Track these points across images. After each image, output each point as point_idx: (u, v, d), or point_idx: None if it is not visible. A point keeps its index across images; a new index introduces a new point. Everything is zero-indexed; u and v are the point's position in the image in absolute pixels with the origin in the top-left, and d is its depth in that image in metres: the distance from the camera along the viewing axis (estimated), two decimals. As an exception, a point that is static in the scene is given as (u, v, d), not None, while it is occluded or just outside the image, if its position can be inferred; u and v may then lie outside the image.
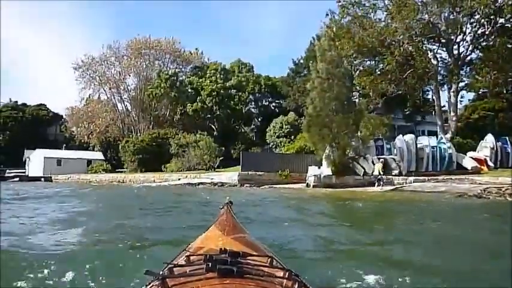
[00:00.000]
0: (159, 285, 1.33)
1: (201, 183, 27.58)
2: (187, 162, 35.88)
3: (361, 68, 32.56)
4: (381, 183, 21.27)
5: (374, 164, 23.16)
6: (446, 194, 17.06)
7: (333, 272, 4.13)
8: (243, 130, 47.38)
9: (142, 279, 1.68)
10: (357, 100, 28.39)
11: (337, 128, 22.70)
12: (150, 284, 1.39)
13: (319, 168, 23.95)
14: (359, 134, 23.75)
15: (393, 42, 29.94)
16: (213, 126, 46.78)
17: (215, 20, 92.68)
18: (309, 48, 43.33)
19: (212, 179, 28.25)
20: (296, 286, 1.36)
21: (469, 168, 26.87)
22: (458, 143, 29.74)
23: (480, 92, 39.25)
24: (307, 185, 23.27)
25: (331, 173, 23.09)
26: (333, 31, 28.93)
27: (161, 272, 1.45)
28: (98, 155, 52.26)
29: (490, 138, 29.32)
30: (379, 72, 31.93)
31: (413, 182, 21.66)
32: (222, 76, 46.76)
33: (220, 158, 36.15)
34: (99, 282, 3.76)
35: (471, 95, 39.85)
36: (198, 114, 46.10)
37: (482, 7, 24.95)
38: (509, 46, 28.87)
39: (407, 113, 38.46)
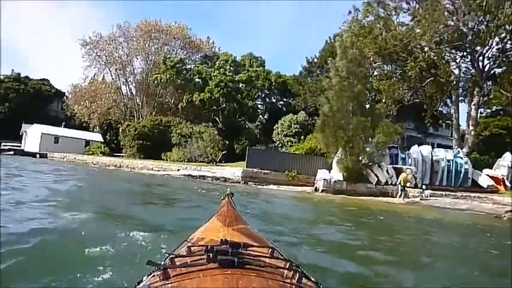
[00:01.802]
0: (160, 275, 1.32)
1: (202, 176, 26.18)
2: (189, 153, 34.48)
3: (379, 71, 30.96)
4: (403, 194, 19.86)
5: (388, 173, 21.68)
6: (475, 213, 15.56)
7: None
8: (248, 126, 45.89)
9: (144, 269, 1.47)
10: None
11: (353, 131, 21.23)
12: (151, 274, 1.38)
13: (329, 172, 22.51)
14: (375, 139, 22.24)
15: (416, 47, 28.44)
16: (218, 119, 45.29)
17: (226, 13, 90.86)
18: (325, 48, 42.01)
19: (214, 173, 26.85)
20: (297, 277, 1.34)
21: (485, 186, 25.46)
22: (474, 159, 28.35)
23: (494, 109, 38.01)
24: (316, 189, 21.84)
25: (342, 179, 21.65)
26: (356, 29, 27.37)
27: (163, 263, 1.45)
28: (97, 137, 50.88)
29: (508, 157, 27.84)
30: (398, 78, 30.35)
31: (430, 196, 20.24)
32: (232, 68, 45.23)
33: (223, 152, 34.74)
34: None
35: (483, 112, 38.63)
36: (204, 105, 44.59)
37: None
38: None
39: (424, 123, 36.96)
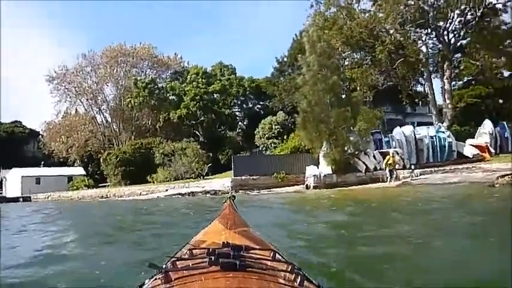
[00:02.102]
0: (162, 278, 1.31)
1: (192, 192, 25.76)
2: (175, 171, 34.02)
3: (350, 60, 31.16)
4: (392, 176, 19.85)
5: (376, 159, 21.67)
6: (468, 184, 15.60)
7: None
8: (229, 135, 45.65)
9: (145, 272, 1.53)
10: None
11: (334, 123, 21.20)
12: (153, 277, 1.38)
13: (317, 167, 22.40)
14: (357, 128, 22.25)
15: (382, 31, 28.73)
16: (198, 133, 44.92)
17: (194, 24, 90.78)
18: (293, 46, 42.18)
19: (203, 187, 26.50)
20: (299, 280, 1.32)
21: (471, 156, 25.76)
22: (456, 131, 28.71)
23: (465, 80, 38.69)
24: (307, 187, 21.68)
25: (331, 172, 21.56)
26: (320, 22, 27.48)
27: (164, 266, 1.44)
28: (79, 171, 49.80)
29: (488, 124, 28.32)
30: (369, 64, 30.59)
31: (420, 174, 20.31)
32: (204, 80, 44.97)
33: (209, 165, 34.40)
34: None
35: (455, 84, 39.23)
36: (182, 121, 44.17)
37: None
38: (501, 28, 27.94)
39: (402, 104, 37.34)
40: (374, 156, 21.91)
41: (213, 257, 1.34)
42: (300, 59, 22.57)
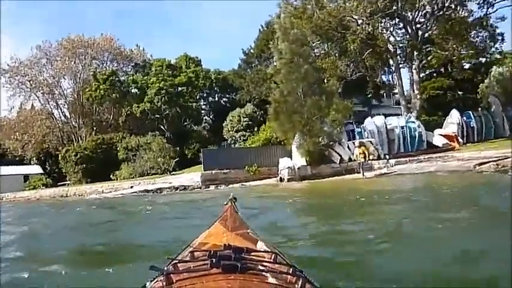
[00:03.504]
0: (163, 281, 1.32)
1: (159, 188, 24.45)
2: (140, 167, 32.47)
3: (319, 51, 30.60)
4: (362, 169, 19.34)
5: (350, 149, 21.20)
6: (447, 173, 15.31)
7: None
8: (195, 129, 44.30)
9: (147, 274, 1.41)
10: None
11: (308, 113, 20.53)
12: (154, 279, 1.37)
13: (291, 159, 21.70)
14: (330, 118, 21.68)
15: (351, 21, 28.33)
16: (163, 127, 43.28)
17: (155, 14, 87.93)
18: (259, 37, 41.42)
19: (171, 182, 25.26)
20: (300, 282, 1.33)
21: (440, 145, 25.93)
22: (424, 121, 28.81)
23: (427, 72, 39.28)
24: (281, 179, 20.96)
25: (305, 164, 20.92)
26: (290, 10, 26.71)
27: (165, 268, 1.43)
28: (36, 169, 46.90)
29: (455, 114, 28.63)
30: (338, 54, 30.18)
31: (395, 164, 20.01)
32: (169, 73, 43.34)
33: (176, 160, 33.08)
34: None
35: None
36: (146, 115, 42.39)
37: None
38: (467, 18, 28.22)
39: (368, 96, 37.36)
40: (348, 147, 21.45)
41: (214, 259, 1.31)
42: (272, 46, 21.73)
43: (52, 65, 47.62)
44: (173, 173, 30.96)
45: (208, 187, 22.46)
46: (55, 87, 48.42)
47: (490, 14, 27.96)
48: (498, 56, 35.09)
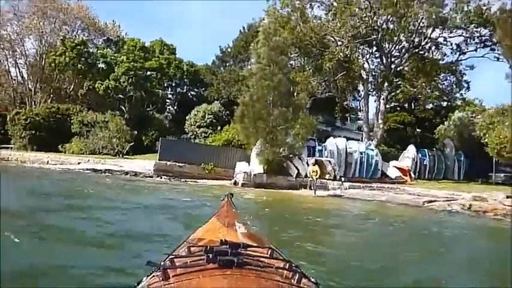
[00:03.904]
0: (160, 276, 1.31)
1: (108, 170, 23.49)
2: (92, 144, 31.21)
3: (295, 63, 30.74)
4: (314, 187, 19.30)
5: (308, 165, 21.24)
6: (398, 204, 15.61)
7: None
8: (157, 116, 43.19)
9: (143, 270, 1.46)
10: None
11: (274, 122, 20.43)
12: (151, 274, 1.38)
13: (249, 164, 21.50)
14: (294, 131, 21.68)
15: (331, 41, 28.69)
16: (124, 108, 41.88)
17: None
18: (238, 37, 41.14)
19: (121, 166, 24.40)
20: (296, 277, 1.34)
21: (393, 177, 26.66)
22: (383, 150, 29.54)
23: (392, 105, 40.67)
24: (235, 183, 20.68)
25: (262, 171, 20.78)
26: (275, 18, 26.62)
27: (162, 263, 1.43)
28: (-21, 126, 44.08)
29: (412, 150, 29.55)
30: (313, 70, 30.45)
31: (349, 188, 20.27)
32: (141, 55, 42.05)
33: (131, 144, 32.05)
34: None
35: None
36: (109, 93, 40.84)
37: (427, 16, 24.50)
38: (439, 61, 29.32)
39: (333, 116, 37.94)
40: (307, 163, 21.51)
41: (210, 255, 1.31)
42: (251, 48, 21.52)
43: (18, 21, 45.02)
44: (126, 156, 29.97)
45: (161, 177, 21.81)
46: (17, 45, 45.79)
47: (461, 60, 29.20)
48: (459, 103, 36.91)
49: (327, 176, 21.10)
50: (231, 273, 1.26)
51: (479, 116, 37.45)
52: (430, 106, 38.01)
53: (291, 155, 21.45)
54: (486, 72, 52.03)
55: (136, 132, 34.70)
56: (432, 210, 14.74)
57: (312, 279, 1.43)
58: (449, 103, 36.05)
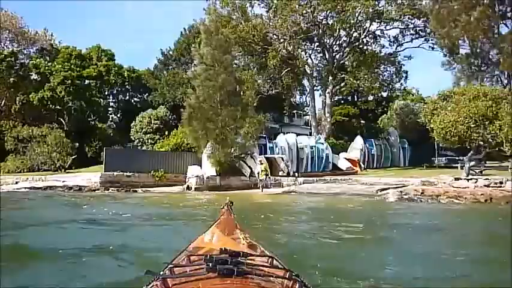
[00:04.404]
0: (159, 285, 1.32)
1: (49, 187, 21.99)
2: (30, 161, 29.15)
3: (240, 62, 30.50)
4: (262, 186, 18.97)
5: (261, 163, 21.01)
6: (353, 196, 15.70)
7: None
8: (100, 126, 41.27)
9: (142, 279, 1.47)
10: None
11: (223, 122, 20.00)
12: (150, 284, 1.36)
13: (200, 167, 20.91)
14: (244, 130, 21.36)
15: (274, 38, 28.74)
16: (63, 120, 39.60)
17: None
18: (179, 40, 40.32)
19: (64, 181, 22.91)
20: (297, 286, 1.34)
21: (344, 168, 27.12)
22: (332, 143, 30.00)
23: (336, 99, 41.72)
24: (188, 188, 20.04)
25: (215, 174, 20.27)
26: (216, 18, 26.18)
27: (162, 272, 1.44)
28: None
29: (359, 141, 30.29)
30: (258, 69, 30.38)
31: (304, 183, 20.27)
32: (77, 63, 39.96)
33: (73, 157, 30.34)
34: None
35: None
36: (45, 105, 38.41)
37: (364, 10, 25.12)
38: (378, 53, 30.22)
39: (280, 114, 38.06)
40: (260, 161, 21.29)
41: (210, 264, 1.31)
42: (193, 49, 20.95)
43: None
44: (69, 171, 28.31)
45: (108, 189, 20.65)
46: None
47: (398, 51, 30.28)
48: (398, 93, 38.45)
49: (281, 173, 21.00)
50: (231, 283, 1.24)
51: (417, 104, 39.46)
52: (371, 98, 39.35)
53: (243, 155, 21.13)
54: (421, 61, 54.83)
55: (78, 144, 32.93)
56: (386, 198, 14.95)
57: None
58: (389, 94, 37.43)
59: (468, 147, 18.68)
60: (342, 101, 41.45)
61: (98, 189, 20.81)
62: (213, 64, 20.22)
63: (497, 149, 17.57)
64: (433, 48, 28.47)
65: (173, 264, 1.54)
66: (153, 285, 1.33)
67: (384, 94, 38.54)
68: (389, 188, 16.59)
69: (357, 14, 26.31)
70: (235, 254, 1.45)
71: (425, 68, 70.15)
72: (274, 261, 1.60)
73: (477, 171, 19.16)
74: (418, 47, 30.11)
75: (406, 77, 32.24)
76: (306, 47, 31.06)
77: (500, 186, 14.47)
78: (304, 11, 26.72)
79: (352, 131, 35.02)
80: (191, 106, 20.52)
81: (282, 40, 28.47)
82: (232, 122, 20.07)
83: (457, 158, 31.32)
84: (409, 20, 28.28)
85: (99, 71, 40.09)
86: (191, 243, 2.09)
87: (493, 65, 21.59)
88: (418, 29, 28.85)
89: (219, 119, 20.06)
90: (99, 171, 23.08)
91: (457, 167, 27.41)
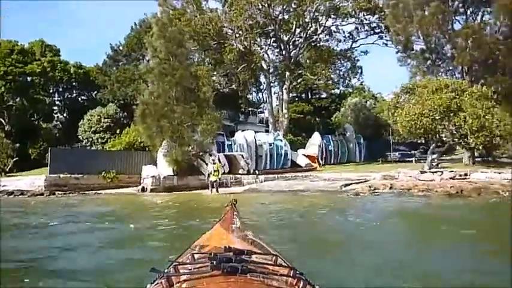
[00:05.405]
0: (164, 283, 1.31)
1: (-13, 192, 20.00)
2: (-36, 165, 26.64)
3: (194, 57, 29.45)
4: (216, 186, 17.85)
5: (220, 161, 20.11)
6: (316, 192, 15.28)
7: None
8: (43, 126, 38.68)
9: (147, 277, 1.42)
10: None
11: (179, 119, 19.00)
12: (155, 281, 1.37)
13: (156, 167, 19.79)
14: (201, 127, 20.42)
15: (229, 33, 27.99)
16: (3, 120, 36.76)
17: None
18: (130, 35, 38.64)
19: (4, 186, 20.99)
20: (301, 284, 1.33)
21: (303, 165, 26.93)
22: (290, 140, 29.75)
23: (290, 96, 41.83)
24: (143, 189, 18.85)
25: (172, 173, 19.23)
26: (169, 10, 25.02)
27: (166, 270, 1.43)
28: None
29: (317, 137, 30.22)
30: (213, 64, 29.52)
31: (264, 181, 19.70)
32: (19, 58, 37.14)
33: (15, 159, 28.21)
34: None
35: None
36: (-18, 103, 35.45)
37: (322, 2, 24.94)
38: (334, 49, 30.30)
39: (236, 111, 37.45)
40: (219, 159, 20.44)
41: (214, 262, 1.31)
42: (146, 41, 19.76)
43: None
44: (10, 174, 26.20)
45: (54, 193, 19.04)
46: None
47: (354, 48, 30.51)
48: (350, 91, 39.08)
49: (241, 171, 20.32)
50: (235, 280, 1.22)
51: (369, 100, 40.28)
52: (325, 95, 39.68)
53: (200, 153, 20.19)
54: (371, 60, 56.26)
55: (20, 145, 30.60)
56: (354, 194, 14.65)
57: (317, 286, 1.39)
58: (341, 91, 37.90)
59: (423, 141, 18.93)
60: (297, 99, 41.57)
61: (43, 194, 19.12)
62: (168, 58, 19.15)
63: (461, 141, 17.85)
64: (387, 44, 28.91)
65: (177, 262, 1.52)
66: (157, 283, 1.32)
67: (338, 91, 39.00)
68: (351, 184, 16.39)
69: (313, 9, 26.09)
70: (239, 252, 1.43)
71: (375, 66, 72.30)
72: (279, 260, 1.58)
73: (434, 164, 19.48)
74: (373, 43, 30.53)
75: (361, 73, 32.63)
76: (262, 42, 30.54)
77: (465, 178, 14.63)
78: (260, 5, 26.14)
79: (309, 127, 35.06)
80: (144, 102, 19.35)
81: (237, 35, 27.80)
82: (188, 119, 19.09)
83: (409, 152, 32.29)
84: (364, 16, 28.51)
85: (43, 67, 37.50)
86: (195, 241, 2.08)
87: (447, 59, 22.08)
88: (372, 25, 29.16)
89: (175, 116, 19.02)
90: (44, 174, 21.32)
91: (411, 161, 28.15)
